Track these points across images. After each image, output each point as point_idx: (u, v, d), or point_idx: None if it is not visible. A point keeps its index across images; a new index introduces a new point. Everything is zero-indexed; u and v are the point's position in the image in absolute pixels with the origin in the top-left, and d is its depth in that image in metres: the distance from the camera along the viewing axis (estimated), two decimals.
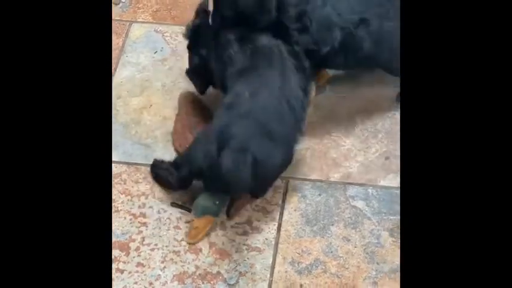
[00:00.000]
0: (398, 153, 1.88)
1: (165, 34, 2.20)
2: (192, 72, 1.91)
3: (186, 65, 2.10)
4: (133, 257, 1.67)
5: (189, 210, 1.73)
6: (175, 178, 1.73)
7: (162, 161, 1.80)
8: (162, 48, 2.16)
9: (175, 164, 1.75)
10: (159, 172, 1.79)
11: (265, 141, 1.61)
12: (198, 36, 1.85)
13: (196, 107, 1.94)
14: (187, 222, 1.70)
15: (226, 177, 1.55)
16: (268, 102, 1.64)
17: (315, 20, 1.76)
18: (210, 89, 1.94)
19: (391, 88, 2.01)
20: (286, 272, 1.64)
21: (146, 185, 1.80)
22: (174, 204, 1.76)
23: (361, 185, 1.81)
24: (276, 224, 1.73)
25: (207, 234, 1.70)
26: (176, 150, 1.86)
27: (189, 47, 1.89)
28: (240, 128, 1.60)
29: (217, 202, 1.68)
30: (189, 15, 2.09)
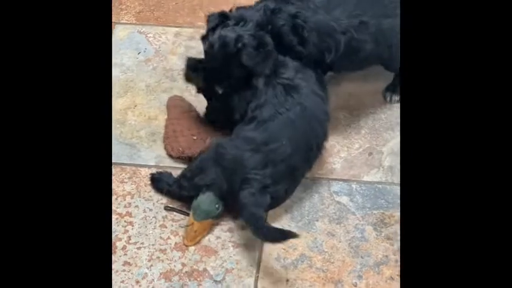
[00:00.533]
0: (381, 148, 1.91)
1: (148, 35, 2.22)
2: (213, 106, 1.88)
3: (170, 65, 2.12)
4: (120, 256, 1.68)
5: (185, 214, 1.74)
6: (182, 195, 1.74)
7: (165, 174, 1.80)
8: (146, 49, 2.18)
9: (184, 178, 1.74)
10: (163, 187, 1.78)
11: (288, 181, 1.70)
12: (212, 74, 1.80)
13: (185, 110, 1.95)
14: (186, 226, 1.70)
15: (241, 211, 1.63)
16: (299, 146, 1.69)
17: (313, 30, 1.76)
18: (195, 91, 1.95)
19: (373, 85, 2.04)
20: (272, 267, 1.66)
21: (132, 185, 1.81)
22: (168, 208, 1.77)
23: (345, 180, 1.83)
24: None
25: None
26: (169, 154, 1.88)
27: (202, 88, 1.86)
28: (265, 170, 1.65)
29: (218, 206, 1.69)
30: (172, 16, 2.12)
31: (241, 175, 1.65)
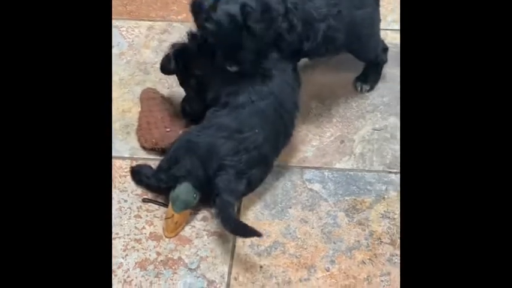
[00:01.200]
0: (352, 136, 1.94)
1: (121, 29, 2.23)
2: (190, 97, 1.89)
3: (143, 59, 2.14)
4: None
5: (163, 205, 1.76)
6: (161, 187, 1.75)
7: (144, 167, 1.81)
8: (119, 42, 2.19)
9: (161, 170, 1.75)
10: (143, 179, 1.79)
11: (261, 168, 1.73)
12: (188, 58, 1.82)
13: (159, 103, 1.96)
14: (167, 218, 1.71)
15: (216, 197, 1.65)
16: (269, 135, 1.73)
17: (300, 18, 1.76)
18: (168, 84, 1.96)
19: (345, 75, 2.07)
20: (246, 254, 1.68)
21: None
22: (146, 200, 1.78)
23: (317, 168, 1.85)
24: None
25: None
26: (142, 146, 1.89)
27: (179, 71, 1.85)
28: (239, 156, 1.68)
29: (195, 196, 1.71)
30: (145, 10, 2.13)
31: (216, 162, 1.67)
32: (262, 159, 1.72)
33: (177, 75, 1.88)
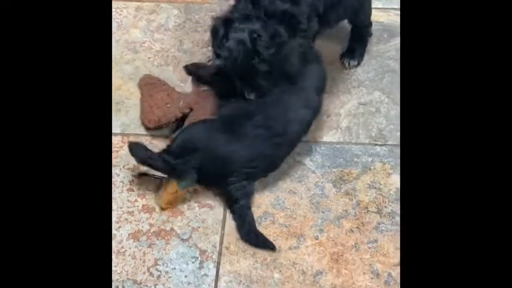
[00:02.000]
0: (338, 111, 1.98)
1: None
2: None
3: (132, 38, 2.17)
4: None
5: (158, 178, 1.78)
6: (167, 168, 1.73)
7: (139, 144, 1.78)
8: None
9: (170, 153, 1.73)
10: (146, 159, 1.74)
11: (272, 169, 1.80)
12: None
13: (157, 86, 1.98)
14: (169, 192, 1.73)
15: (236, 202, 1.72)
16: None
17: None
18: (157, 62, 1.98)
19: (330, 51, 2.11)
20: None
21: None
22: (143, 175, 1.81)
23: (305, 142, 1.89)
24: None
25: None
26: (147, 127, 1.91)
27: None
28: (254, 162, 1.73)
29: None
30: None
31: (232, 168, 1.71)
32: (276, 166, 1.79)
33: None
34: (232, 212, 1.73)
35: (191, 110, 1.85)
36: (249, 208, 1.73)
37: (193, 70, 2.00)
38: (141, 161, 1.73)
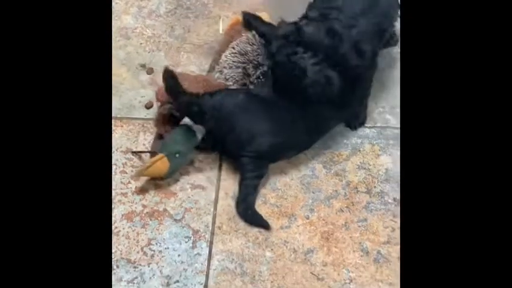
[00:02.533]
0: None
1: None
2: None
3: (124, 24, 2.19)
4: None
5: (151, 153, 1.79)
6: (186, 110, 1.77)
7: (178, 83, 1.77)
8: None
9: (198, 104, 1.75)
10: (176, 96, 1.77)
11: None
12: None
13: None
14: (154, 160, 1.74)
15: (245, 179, 1.76)
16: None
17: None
18: (149, 48, 1.98)
19: None
20: (229, 205, 1.75)
21: None
22: (134, 153, 1.83)
23: None
24: (218, 163, 1.83)
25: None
26: (157, 99, 1.88)
27: None
28: (277, 148, 1.77)
29: (187, 153, 1.79)
30: None
31: (253, 146, 1.74)
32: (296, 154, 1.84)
33: None
34: (239, 185, 1.75)
35: None
36: (255, 188, 1.75)
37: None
38: (171, 90, 1.75)
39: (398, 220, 1.70)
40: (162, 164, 1.74)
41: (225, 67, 1.87)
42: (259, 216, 1.72)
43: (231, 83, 1.85)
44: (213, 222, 1.72)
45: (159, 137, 1.84)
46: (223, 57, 1.89)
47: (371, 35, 1.74)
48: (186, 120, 1.78)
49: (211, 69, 1.95)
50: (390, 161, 1.83)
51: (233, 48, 1.89)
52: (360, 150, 1.86)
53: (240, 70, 1.85)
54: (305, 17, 1.76)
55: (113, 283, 1.59)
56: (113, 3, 2.24)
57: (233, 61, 1.86)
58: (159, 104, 1.88)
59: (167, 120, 1.83)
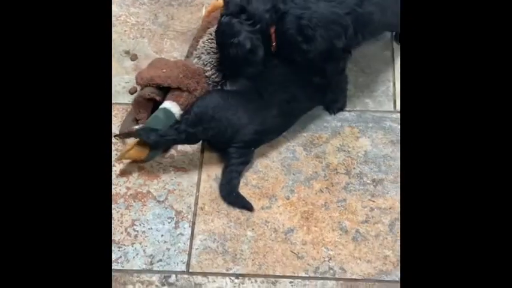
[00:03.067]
0: None
1: None
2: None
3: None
4: None
5: (136, 136, 1.79)
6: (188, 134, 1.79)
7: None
8: None
9: (186, 123, 1.79)
10: (160, 140, 1.80)
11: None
12: None
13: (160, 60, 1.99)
14: (139, 145, 1.78)
15: (230, 165, 1.80)
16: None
17: (318, 25, 1.75)
18: (133, 35, 2.01)
19: None
20: (211, 187, 1.79)
21: None
22: (119, 136, 1.84)
23: None
24: (200, 147, 1.87)
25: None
26: (138, 83, 1.89)
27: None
28: (256, 136, 1.83)
29: (160, 141, 1.80)
30: None
31: (237, 138, 1.80)
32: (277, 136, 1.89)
33: None
34: (223, 171, 1.79)
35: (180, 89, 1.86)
36: (239, 173, 1.79)
37: None
38: (155, 143, 1.78)
39: (376, 200, 1.75)
40: (142, 146, 1.77)
41: (202, 53, 1.90)
42: (243, 198, 1.76)
43: (208, 69, 1.89)
44: (196, 203, 1.76)
45: (135, 120, 1.87)
46: (200, 43, 1.93)
47: (329, 24, 1.76)
48: (166, 103, 1.82)
49: (190, 54, 1.98)
50: (369, 143, 1.87)
51: (210, 34, 1.92)
52: (339, 133, 1.90)
53: (217, 56, 1.88)
54: None
55: None
56: None
57: (210, 47, 1.90)
58: (139, 87, 1.92)
59: (145, 104, 1.86)
